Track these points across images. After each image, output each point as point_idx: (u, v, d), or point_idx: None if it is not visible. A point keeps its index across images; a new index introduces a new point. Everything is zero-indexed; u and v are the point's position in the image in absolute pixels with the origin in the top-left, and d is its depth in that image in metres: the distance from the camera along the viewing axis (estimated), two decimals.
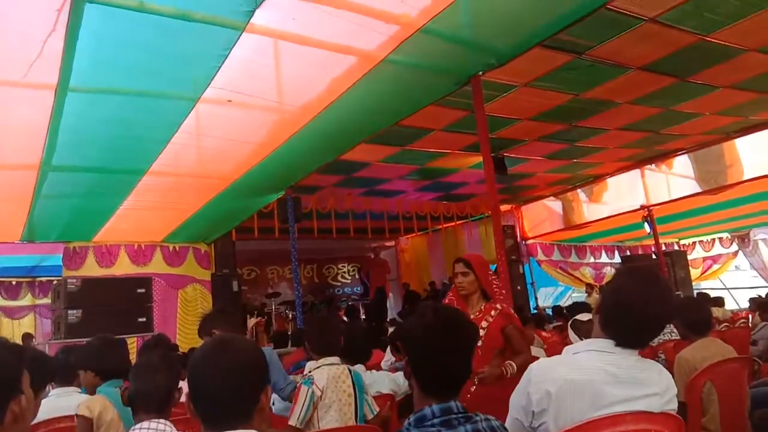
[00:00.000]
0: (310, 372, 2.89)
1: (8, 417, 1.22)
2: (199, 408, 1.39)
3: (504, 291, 3.36)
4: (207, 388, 1.38)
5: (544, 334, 6.56)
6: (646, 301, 1.72)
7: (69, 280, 6.32)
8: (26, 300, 11.36)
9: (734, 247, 14.76)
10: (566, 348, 1.92)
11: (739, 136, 8.67)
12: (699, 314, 3.59)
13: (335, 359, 2.98)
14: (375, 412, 2.94)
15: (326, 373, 2.84)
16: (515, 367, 2.94)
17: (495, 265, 12.37)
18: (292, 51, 3.76)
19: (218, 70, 3.78)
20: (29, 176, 5.33)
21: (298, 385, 2.92)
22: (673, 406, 1.82)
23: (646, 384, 1.76)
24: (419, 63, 4.07)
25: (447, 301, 3.36)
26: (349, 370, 2.97)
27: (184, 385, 2.67)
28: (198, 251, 9.22)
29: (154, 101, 4.24)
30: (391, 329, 8.14)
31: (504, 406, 1.88)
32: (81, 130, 4.58)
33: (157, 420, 2.13)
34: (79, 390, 3.57)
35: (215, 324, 3.23)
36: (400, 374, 3.69)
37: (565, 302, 13.47)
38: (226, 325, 3.22)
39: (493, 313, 3.12)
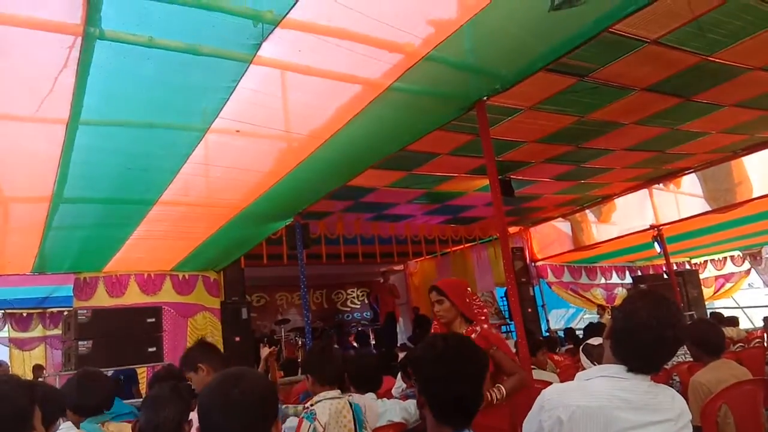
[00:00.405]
0: (312, 405, 2.83)
1: None
2: None
3: (486, 311, 3.28)
4: (217, 423, 1.39)
5: (556, 357, 6.49)
6: (657, 324, 1.72)
7: (79, 311, 6.35)
8: (37, 331, 11.37)
9: (746, 265, 14.62)
10: (578, 374, 1.91)
11: (746, 154, 8.65)
12: (711, 335, 3.56)
13: (336, 392, 2.93)
14: None
15: (328, 408, 2.77)
16: (504, 391, 2.86)
17: (504, 288, 12.22)
18: (299, 81, 3.81)
19: (226, 102, 3.84)
20: (41, 208, 5.39)
21: (299, 418, 2.84)
22: (689, 426, 1.80)
23: (660, 410, 1.75)
24: (424, 90, 4.11)
25: (432, 330, 3.32)
26: (350, 404, 2.91)
27: (194, 416, 2.66)
28: (207, 279, 9.23)
29: (163, 133, 4.30)
30: (401, 354, 8.08)
31: None
32: (92, 163, 4.64)
33: None
34: None
35: (200, 358, 3.11)
36: (411, 402, 3.65)
37: (576, 324, 13.35)
38: (211, 359, 3.09)
39: (473, 336, 3.03)
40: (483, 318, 3.15)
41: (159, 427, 2.13)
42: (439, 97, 4.31)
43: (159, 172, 5.00)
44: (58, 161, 4.49)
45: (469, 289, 3.27)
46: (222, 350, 8.79)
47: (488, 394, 2.78)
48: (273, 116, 4.36)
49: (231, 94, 3.74)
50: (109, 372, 6.22)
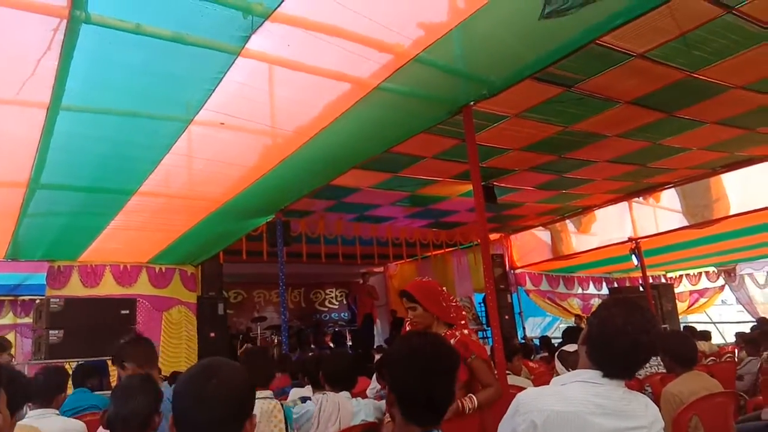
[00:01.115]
0: None
1: None
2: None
3: (464, 313, 3.11)
4: (190, 416, 1.36)
5: (531, 364, 6.53)
6: (632, 330, 1.74)
7: (52, 300, 6.22)
8: (7, 319, 11.14)
9: (721, 281, 14.86)
10: (554, 379, 1.92)
11: (725, 172, 8.81)
12: (685, 348, 3.60)
13: (268, 393, 2.90)
14: None
15: (259, 408, 2.73)
16: (476, 402, 2.76)
17: (482, 294, 12.24)
18: (287, 76, 3.78)
19: (212, 93, 3.80)
20: (17, 194, 5.28)
21: None
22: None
23: (633, 416, 1.77)
24: (412, 91, 4.11)
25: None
26: (281, 405, 2.88)
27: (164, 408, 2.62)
28: (184, 273, 9.13)
29: (146, 122, 4.24)
30: (378, 357, 8.07)
31: None
32: (72, 149, 4.56)
33: None
34: (57, 412, 3.50)
35: (126, 355, 2.93)
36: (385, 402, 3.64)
37: (552, 333, 13.45)
38: (137, 357, 2.91)
39: (452, 341, 2.85)
40: (463, 322, 3.00)
41: (128, 418, 2.08)
42: (427, 99, 4.31)
43: (140, 162, 4.93)
44: (36, 146, 4.40)
45: (443, 289, 3.09)
46: (196, 346, 8.73)
47: (460, 403, 2.70)
48: (259, 111, 4.33)
49: (217, 86, 3.70)
50: (80, 362, 6.11)
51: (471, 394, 2.79)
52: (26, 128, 4.11)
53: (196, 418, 1.35)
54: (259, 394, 2.78)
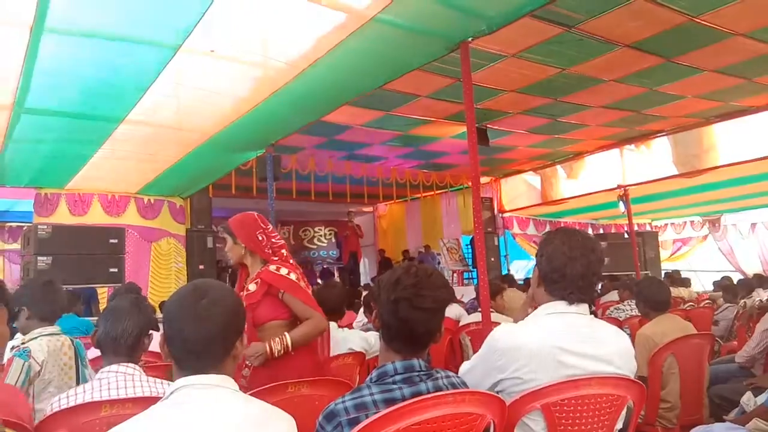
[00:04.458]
0: (24, 343, 2.59)
1: None
2: (172, 350, 1.40)
3: (283, 251, 2.82)
4: (181, 333, 1.38)
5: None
6: (579, 254, 1.86)
7: (39, 227, 6.18)
8: None
9: (705, 230, 15.08)
10: (526, 318, 1.99)
11: (718, 122, 8.78)
12: (658, 292, 3.71)
13: (55, 328, 2.74)
14: None
15: (46, 345, 2.60)
16: (289, 341, 2.52)
17: (470, 237, 12.33)
18: (281, 3, 3.66)
19: (202, 17, 3.67)
20: (1, 117, 5.17)
21: (9, 357, 2.56)
22: (633, 365, 1.92)
23: (604, 343, 1.86)
24: (409, 24, 4.00)
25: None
26: (72, 341, 2.73)
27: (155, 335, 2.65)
28: (173, 205, 9.10)
29: (134, 47, 4.11)
30: (365, 294, 8.20)
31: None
32: (57, 73, 4.44)
33: (126, 364, 2.12)
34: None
35: (25, 301, 2.75)
36: (371, 333, 3.72)
37: None
38: (35, 304, 2.74)
39: (258, 281, 2.65)
40: (276, 258, 2.74)
41: (118, 338, 2.11)
42: (424, 34, 4.20)
43: (127, 88, 4.81)
44: (20, 68, 4.27)
45: (266, 225, 2.83)
46: (185, 278, 8.80)
47: (268, 345, 2.50)
48: (251, 39, 4.21)
49: (208, 9, 3.57)
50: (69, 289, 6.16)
51: (285, 333, 2.56)
52: (9, 49, 3.98)
53: (188, 336, 1.37)
54: (42, 330, 2.66)
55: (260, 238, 2.75)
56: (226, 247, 2.82)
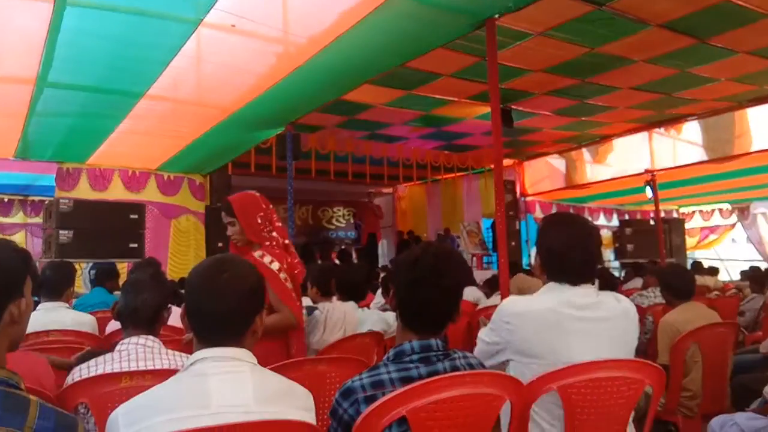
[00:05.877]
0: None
1: (6, 318, 1.22)
2: (192, 322, 1.42)
3: (279, 237, 2.73)
4: (201, 306, 1.40)
5: None
6: (578, 242, 1.90)
7: (61, 200, 6.23)
8: (18, 218, 11.31)
9: (733, 218, 14.74)
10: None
11: (751, 106, 8.51)
12: (682, 280, 3.62)
13: None
14: None
15: None
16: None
17: (490, 220, 12.20)
18: None
19: None
20: (25, 91, 5.20)
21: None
22: (635, 328, 1.97)
23: (604, 307, 1.91)
24: (433, 0, 3.89)
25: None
26: None
27: (174, 309, 2.64)
28: (193, 182, 9.13)
29: (155, 22, 4.08)
30: (382, 275, 8.18)
31: None
32: (79, 47, 4.44)
33: (146, 336, 2.12)
34: (68, 306, 3.57)
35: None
36: (390, 314, 3.70)
37: None
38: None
39: None
40: (267, 243, 2.66)
41: (138, 310, 2.12)
42: (449, 10, 4.09)
43: (148, 63, 4.80)
44: (44, 42, 4.28)
45: (267, 206, 2.74)
46: (204, 255, 8.85)
47: None
48: (272, 14, 4.14)
49: None
50: (90, 263, 6.23)
51: None
52: (33, 22, 3.98)
53: (209, 310, 1.38)
54: None
55: (259, 221, 2.68)
56: (234, 233, 2.73)
